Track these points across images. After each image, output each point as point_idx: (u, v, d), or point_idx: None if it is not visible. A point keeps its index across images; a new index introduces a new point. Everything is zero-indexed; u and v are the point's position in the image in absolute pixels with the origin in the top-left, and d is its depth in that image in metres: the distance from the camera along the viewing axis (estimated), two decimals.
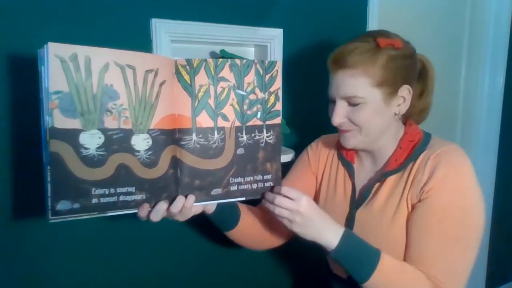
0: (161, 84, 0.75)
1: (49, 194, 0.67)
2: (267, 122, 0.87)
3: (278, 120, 0.88)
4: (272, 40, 1.29)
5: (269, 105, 0.87)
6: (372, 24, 1.49)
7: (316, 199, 1.18)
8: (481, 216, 0.92)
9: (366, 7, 1.48)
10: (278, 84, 0.86)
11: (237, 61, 0.83)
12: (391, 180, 1.00)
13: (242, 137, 0.85)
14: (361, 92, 0.93)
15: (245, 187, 0.87)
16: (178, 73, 0.78)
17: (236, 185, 0.86)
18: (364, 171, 1.09)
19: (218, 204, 0.93)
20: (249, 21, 1.25)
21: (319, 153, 1.19)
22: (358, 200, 1.05)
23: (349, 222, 1.05)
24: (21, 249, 1.05)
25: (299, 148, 1.27)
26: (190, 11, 1.16)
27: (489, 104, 2.04)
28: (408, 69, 0.97)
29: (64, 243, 1.10)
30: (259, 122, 0.86)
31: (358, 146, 1.01)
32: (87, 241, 1.13)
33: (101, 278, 1.18)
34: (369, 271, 0.87)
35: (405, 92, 0.96)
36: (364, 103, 0.93)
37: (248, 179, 0.87)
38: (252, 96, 0.85)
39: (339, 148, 1.13)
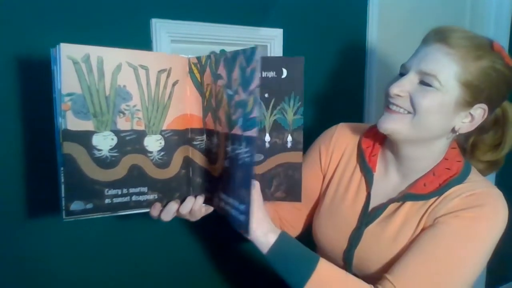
0: (174, 84, 0.76)
1: (63, 194, 0.67)
2: (244, 133, 0.70)
3: (253, 132, 0.67)
4: (272, 40, 1.30)
5: (248, 110, 0.68)
6: (372, 24, 1.50)
7: (320, 201, 1.06)
8: (473, 276, 0.84)
9: (366, 7, 1.49)
10: (256, 81, 0.66)
11: (229, 52, 0.72)
12: (410, 204, 0.89)
13: (228, 147, 0.74)
14: (443, 76, 0.81)
15: (227, 208, 0.76)
16: (191, 72, 0.77)
17: (223, 202, 0.77)
18: (385, 183, 0.97)
19: None
20: (249, 21, 1.25)
21: (332, 150, 1.05)
22: (370, 214, 0.94)
23: (355, 236, 0.94)
24: (30, 249, 1.05)
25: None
26: (190, 11, 1.16)
27: None
28: (498, 93, 0.85)
29: (72, 243, 1.10)
30: (239, 132, 0.71)
31: (396, 133, 0.86)
32: (95, 241, 1.14)
33: (107, 278, 1.18)
34: (305, 276, 0.80)
35: (479, 111, 0.85)
36: (437, 89, 0.81)
37: (230, 200, 0.75)
38: (236, 97, 0.71)
39: (362, 147, 1.00)
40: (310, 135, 1.28)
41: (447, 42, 0.81)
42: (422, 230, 0.86)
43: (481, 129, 0.94)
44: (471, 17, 1.97)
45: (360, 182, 0.99)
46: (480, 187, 0.86)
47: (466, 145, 0.98)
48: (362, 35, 1.51)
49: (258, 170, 0.84)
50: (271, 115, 0.82)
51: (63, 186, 0.68)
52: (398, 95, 0.85)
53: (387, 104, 0.88)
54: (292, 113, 0.82)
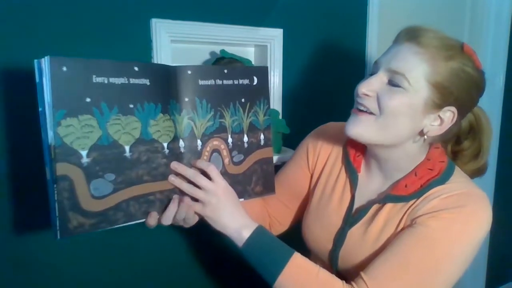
0: None
1: (57, 214, 0.67)
2: None
3: None
4: (272, 40, 1.31)
5: None
6: (372, 24, 1.51)
7: (308, 201, 1.06)
8: (450, 280, 0.82)
9: (366, 7, 1.50)
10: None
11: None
12: (391, 205, 0.89)
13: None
14: (413, 75, 0.79)
15: None
16: None
17: None
18: (369, 184, 0.96)
19: None
20: (249, 21, 1.26)
21: (319, 149, 1.05)
22: (353, 216, 0.94)
23: (339, 238, 0.94)
24: (25, 255, 1.07)
25: None
26: (190, 11, 1.17)
27: (489, 104, 2.03)
28: (468, 96, 0.83)
29: (71, 246, 1.11)
30: None
31: (363, 137, 0.85)
32: (94, 244, 1.15)
33: (106, 280, 1.19)
34: (276, 270, 0.81)
35: (448, 114, 0.83)
36: (405, 90, 0.80)
37: None
38: None
39: (348, 147, 1.00)
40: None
41: (417, 41, 0.80)
42: (401, 230, 0.86)
43: (457, 139, 0.95)
44: (471, 17, 1.96)
45: (345, 183, 0.99)
46: (461, 188, 0.84)
47: (447, 153, 0.96)
48: (362, 34, 1.52)
49: (240, 169, 0.88)
50: (247, 117, 0.88)
51: (56, 205, 0.67)
52: (366, 95, 0.83)
53: (355, 106, 0.87)
54: (262, 114, 0.91)
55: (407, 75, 0.79)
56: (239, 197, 0.87)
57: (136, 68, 0.73)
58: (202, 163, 0.81)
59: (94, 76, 0.68)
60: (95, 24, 1.05)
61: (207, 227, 0.97)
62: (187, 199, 0.80)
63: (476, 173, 0.97)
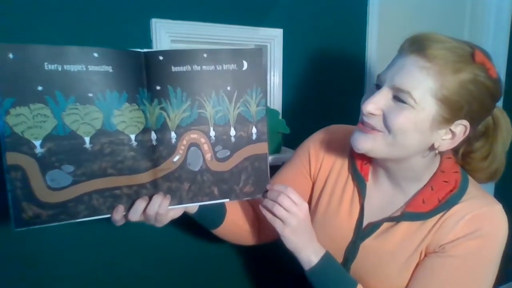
0: None
1: (10, 203, 0.64)
2: None
3: None
4: (272, 40, 1.28)
5: None
6: (372, 24, 1.46)
7: (312, 210, 1.00)
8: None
9: (366, 7, 1.46)
10: None
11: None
12: (408, 222, 0.84)
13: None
14: (418, 93, 0.73)
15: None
16: None
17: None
18: (378, 193, 0.91)
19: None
20: (249, 21, 1.23)
21: (323, 155, 0.98)
22: (364, 230, 0.89)
23: (351, 251, 0.90)
24: (28, 249, 1.06)
25: None
26: (190, 11, 1.14)
27: None
28: (481, 106, 0.76)
29: (70, 243, 1.10)
30: None
31: (372, 152, 0.81)
32: (93, 242, 1.14)
33: (106, 279, 1.18)
34: None
35: (460, 128, 0.77)
36: (412, 107, 0.74)
37: None
38: None
39: (354, 155, 0.93)
40: (310, 135, 1.28)
41: (423, 54, 0.73)
42: (426, 254, 0.83)
43: (468, 141, 0.87)
44: (471, 17, 1.91)
45: (353, 193, 0.93)
46: (480, 206, 0.81)
47: (457, 158, 0.90)
48: (362, 35, 1.47)
49: (226, 166, 0.79)
50: (234, 108, 0.78)
51: (9, 195, 0.64)
52: (372, 114, 0.77)
53: (361, 120, 0.81)
54: (255, 105, 0.79)
55: (413, 93, 0.73)
56: (225, 197, 0.80)
57: (95, 55, 0.66)
58: (279, 187, 0.80)
59: (46, 63, 0.64)
60: (95, 24, 1.03)
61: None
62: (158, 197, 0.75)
63: (490, 176, 0.91)
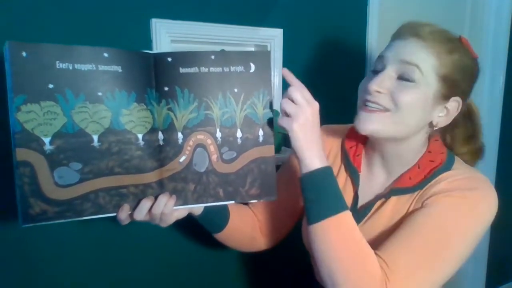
0: None
1: (18, 198, 0.63)
2: None
3: None
4: (272, 40, 1.27)
5: None
6: (372, 24, 1.46)
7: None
8: (462, 256, 0.81)
9: (366, 7, 1.46)
10: None
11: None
12: (396, 198, 0.87)
13: None
14: (424, 67, 0.79)
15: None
16: None
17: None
18: (371, 182, 0.95)
19: (206, 206, 0.85)
20: (249, 21, 1.23)
21: None
22: (358, 213, 0.92)
23: None
24: (27, 249, 1.05)
25: None
26: (190, 11, 1.14)
27: (489, 104, 2.02)
28: (468, 85, 0.86)
29: (69, 244, 1.10)
30: None
31: (378, 133, 0.83)
32: (93, 243, 1.13)
33: (106, 280, 1.18)
34: (326, 212, 0.76)
35: (454, 104, 0.84)
36: (417, 83, 0.79)
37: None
38: None
39: (346, 148, 0.98)
40: None
41: (421, 36, 0.80)
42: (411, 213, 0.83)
43: (453, 124, 0.92)
44: (471, 17, 1.92)
45: (345, 183, 0.96)
46: (467, 173, 0.84)
47: (445, 141, 0.96)
48: (362, 35, 1.48)
49: (232, 168, 0.79)
50: (241, 110, 0.78)
51: (18, 191, 0.64)
52: (378, 92, 0.81)
53: (363, 103, 0.84)
54: (261, 107, 0.79)
55: (421, 66, 0.79)
56: (230, 199, 0.80)
57: (106, 55, 0.68)
58: (295, 81, 0.78)
59: (57, 62, 0.65)
60: (95, 24, 1.02)
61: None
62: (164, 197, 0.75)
63: (475, 157, 0.97)
